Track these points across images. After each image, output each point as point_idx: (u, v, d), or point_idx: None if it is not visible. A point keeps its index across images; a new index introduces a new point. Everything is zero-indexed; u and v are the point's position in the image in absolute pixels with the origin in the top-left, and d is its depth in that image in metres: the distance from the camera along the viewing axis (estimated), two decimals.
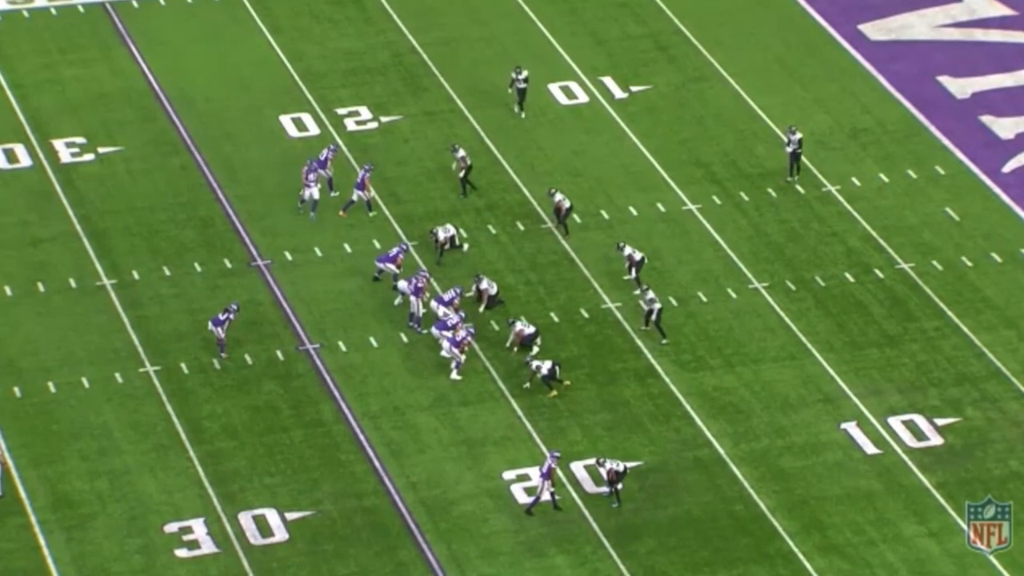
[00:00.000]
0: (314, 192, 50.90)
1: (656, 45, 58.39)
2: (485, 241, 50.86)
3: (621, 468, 42.85)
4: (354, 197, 51.04)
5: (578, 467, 44.23)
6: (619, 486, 42.88)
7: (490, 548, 42.41)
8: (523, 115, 54.26)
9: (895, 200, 52.55)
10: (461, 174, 52.08)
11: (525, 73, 54.33)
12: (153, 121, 54.88)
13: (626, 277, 48.79)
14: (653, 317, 46.99)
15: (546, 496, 42.98)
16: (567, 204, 50.70)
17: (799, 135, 52.20)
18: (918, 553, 42.54)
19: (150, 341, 47.36)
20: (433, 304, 47.36)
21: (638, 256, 48.61)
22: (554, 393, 45.41)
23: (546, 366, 45.50)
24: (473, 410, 45.35)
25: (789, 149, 52.21)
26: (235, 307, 46.71)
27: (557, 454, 43.26)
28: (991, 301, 49.32)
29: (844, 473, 44.43)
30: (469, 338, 46.15)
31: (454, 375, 46.14)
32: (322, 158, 51.55)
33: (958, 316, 48.80)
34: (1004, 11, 59.29)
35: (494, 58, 57.73)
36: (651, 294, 47.26)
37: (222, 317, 46.43)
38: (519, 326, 46.47)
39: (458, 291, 47.66)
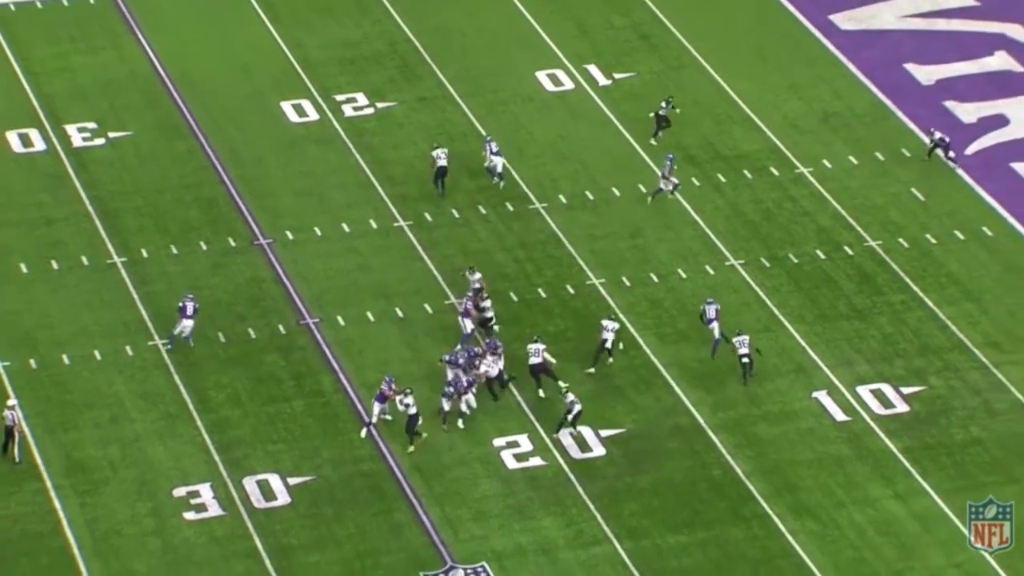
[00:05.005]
0: (498, 165, 50.81)
1: (638, 35, 58.35)
2: (476, 221, 50.80)
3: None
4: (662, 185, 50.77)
5: (564, 434, 44.24)
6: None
7: (481, 511, 42.49)
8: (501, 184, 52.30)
9: (864, 181, 52.60)
10: (433, 171, 51.41)
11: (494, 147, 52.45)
12: (160, 107, 54.81)
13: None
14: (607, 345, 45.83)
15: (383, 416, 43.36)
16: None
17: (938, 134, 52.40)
18: (884, 514, 42.69)
19: (158, 316, 47.30)
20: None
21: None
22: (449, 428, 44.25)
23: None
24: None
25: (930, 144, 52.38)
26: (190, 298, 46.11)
27: (390, 377, 43.50)
28: (954, 276, 49.40)
29: (815, 439, 44.53)
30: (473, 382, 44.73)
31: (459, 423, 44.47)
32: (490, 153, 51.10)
33: (923, 290, 48.88)
34: (966, 2, 59.26)
35: (484, 47, 57.68)
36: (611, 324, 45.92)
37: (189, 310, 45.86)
38: (484, 367, 44.74)
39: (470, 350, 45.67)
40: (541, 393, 45.24)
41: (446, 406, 44.11)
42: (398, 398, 43.64)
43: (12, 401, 43.68)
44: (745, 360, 45.58)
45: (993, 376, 46.28)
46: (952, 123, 54.36)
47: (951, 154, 52.58)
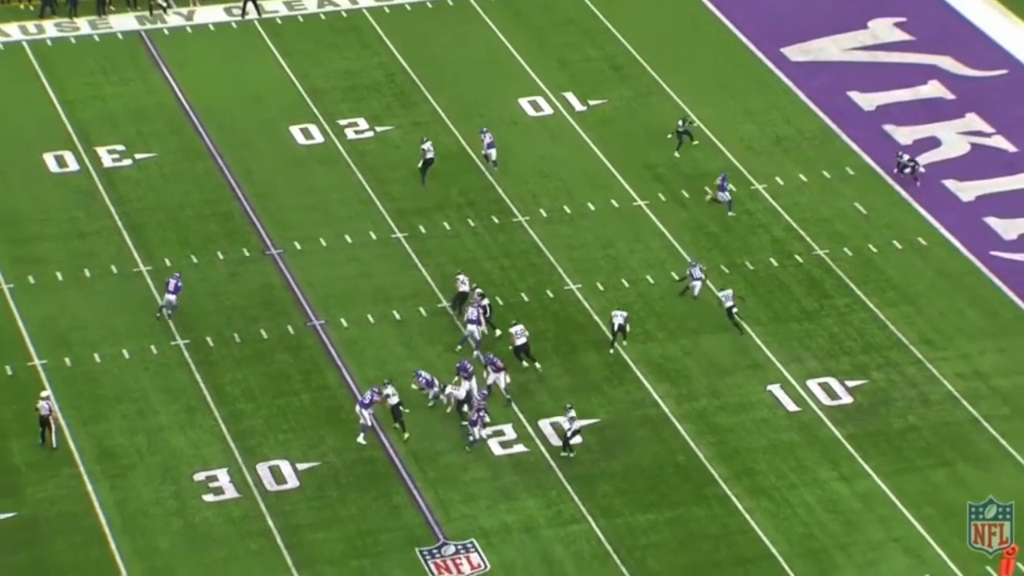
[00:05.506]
0: (492, 154, 51.79)
1: (611, 66, 58.32)
2: (465, 232, 50.77)
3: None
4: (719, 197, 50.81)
5: (545, 424, 44.30)
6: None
7: (470, 493, 42.48)
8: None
9: (812, 196, 52.59)
10: (419, 164, 51.94)
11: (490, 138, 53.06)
12: (182, 132, 54.76)
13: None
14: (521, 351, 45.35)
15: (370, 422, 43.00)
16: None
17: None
18: (831, 494, 42.74)
19: (180, 318, 47.26)
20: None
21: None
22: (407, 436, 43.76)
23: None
24: (455, 377, 45.05)
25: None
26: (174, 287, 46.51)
27: (376, 388, 43.18)
28: (893, 281, 49.42)
29: (769, 428, 44.58)
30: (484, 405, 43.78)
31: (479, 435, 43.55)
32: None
33: (865, 294, 48.91)
34: (903, 36, 59.23)
35: (473, 77, 57.60)
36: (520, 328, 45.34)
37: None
38: (449, 388, 44.07)
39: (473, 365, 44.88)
40: (538, 366, 45.22)
41: (477, 433, 43.08)
42: (380, 393, 43.33)
43: (46, 392, 43.63)
44: (735, 311, 45.92)
45: (928, 370, 46.32)
46: (891, 144, 54.35)
47: (920, 171, 52.30)
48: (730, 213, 51.34)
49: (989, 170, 53.39)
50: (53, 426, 43.04)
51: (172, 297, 46.63)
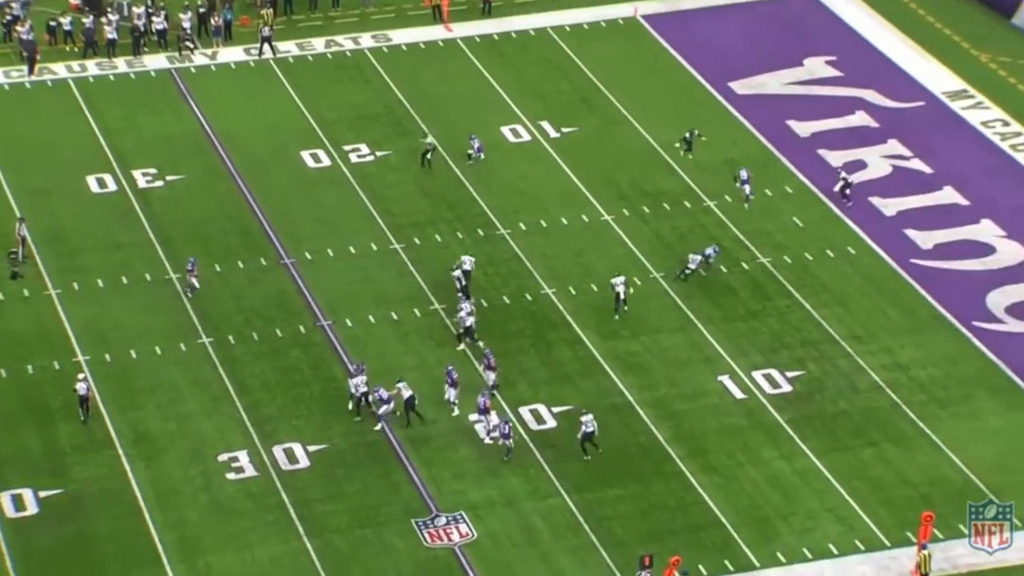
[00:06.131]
0: (479, 156, 51.99)
1: (580, 98, 58.28)
2: (455, 244, 50.79)
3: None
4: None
5: (524, 411, 44.32)
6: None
7: (460, 471, 42.56)
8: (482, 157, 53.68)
9: (757, 212, 52.59)
10: (428, 154, 52.85)
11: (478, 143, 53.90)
12: (206, 156, 54.70)
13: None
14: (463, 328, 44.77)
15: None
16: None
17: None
18: (773, 471, 42.90)
19: (206, 319, 47.35)
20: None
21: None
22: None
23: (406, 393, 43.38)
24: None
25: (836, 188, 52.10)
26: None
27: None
28: (826, 285, 49.50)
29: (720, 413, 44.68)
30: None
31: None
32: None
33: (803, 297, 49.00)
34: (834, 73, 59.15)
35: (460, 108, 57.49)
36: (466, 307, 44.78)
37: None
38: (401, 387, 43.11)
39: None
40: (482, 344, 45.25)
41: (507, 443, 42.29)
42: (385, 392, 42.89)
43: (82, 375, 43.65)
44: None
45: (856, 362, 46.45)
46: (824, 167, 54.39)
47: (848, 191, 52.48)
48: (745, 205, 51.24)
49: (908, 189, 53.52)
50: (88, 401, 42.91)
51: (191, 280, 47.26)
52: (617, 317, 46.37)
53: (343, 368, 45.91)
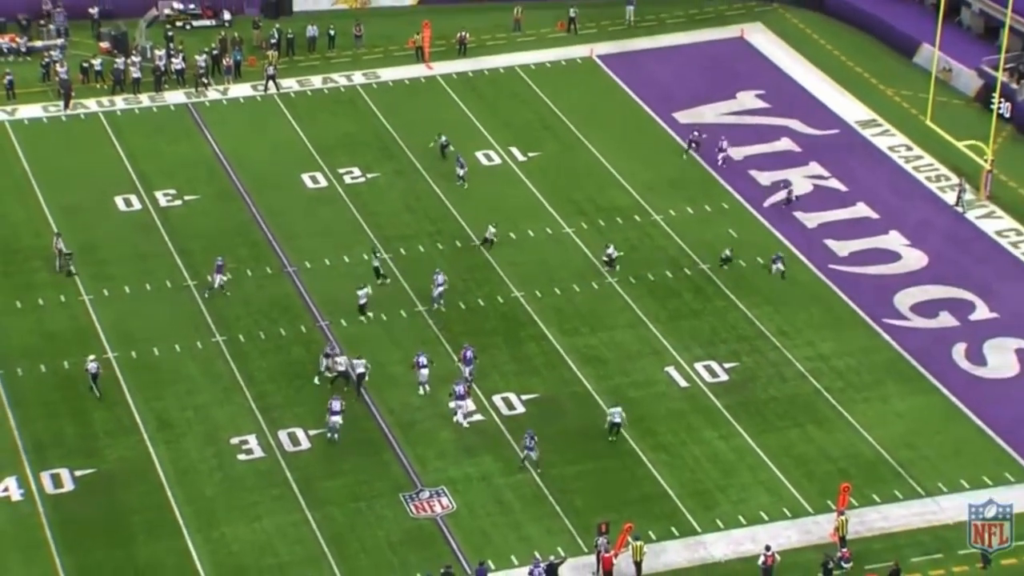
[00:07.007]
0: (464, 174, 51.79)
1: (543, 125, 57.97)
2: (435, 254, 50.35)
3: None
4: None
5: (497, 399, 43.96)
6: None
7: (441, 451, 42.23)
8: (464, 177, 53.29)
9: (698, 225, 52.38)
10: (447, 147, 53.88)
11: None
12: (219, 179, 54.15)
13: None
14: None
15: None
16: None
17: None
18: (713, 449, 42.73)
19: (219, 320, 46.85)
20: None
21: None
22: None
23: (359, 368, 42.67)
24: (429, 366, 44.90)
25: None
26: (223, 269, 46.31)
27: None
28: (758, 288, 49.28)
29: (667, 399, 44.46)
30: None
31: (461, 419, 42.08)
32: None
33: (738, 298, 48.78)
34: (762, 105, 59.10)
35: (441, 135, 57.36)
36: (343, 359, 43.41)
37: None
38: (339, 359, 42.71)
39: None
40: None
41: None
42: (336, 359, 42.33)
43: (92, 356, 43.31)
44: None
45: (784, 355, 46.28)
46: (755, 186, 54.23)
47: (793, 199, 52.28)
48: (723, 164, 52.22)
49: (827, 204, 53.42)
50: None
51: (219, 277, 46.96)
52: (606, 273, 47.03)
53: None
